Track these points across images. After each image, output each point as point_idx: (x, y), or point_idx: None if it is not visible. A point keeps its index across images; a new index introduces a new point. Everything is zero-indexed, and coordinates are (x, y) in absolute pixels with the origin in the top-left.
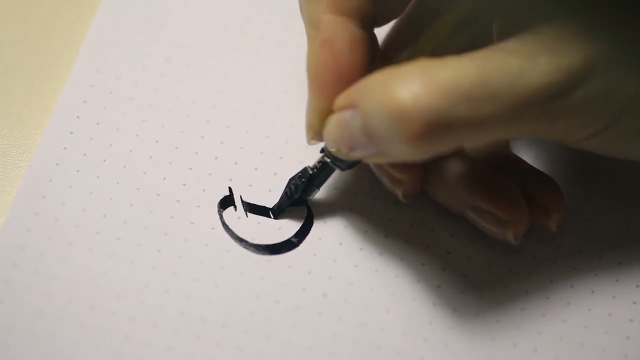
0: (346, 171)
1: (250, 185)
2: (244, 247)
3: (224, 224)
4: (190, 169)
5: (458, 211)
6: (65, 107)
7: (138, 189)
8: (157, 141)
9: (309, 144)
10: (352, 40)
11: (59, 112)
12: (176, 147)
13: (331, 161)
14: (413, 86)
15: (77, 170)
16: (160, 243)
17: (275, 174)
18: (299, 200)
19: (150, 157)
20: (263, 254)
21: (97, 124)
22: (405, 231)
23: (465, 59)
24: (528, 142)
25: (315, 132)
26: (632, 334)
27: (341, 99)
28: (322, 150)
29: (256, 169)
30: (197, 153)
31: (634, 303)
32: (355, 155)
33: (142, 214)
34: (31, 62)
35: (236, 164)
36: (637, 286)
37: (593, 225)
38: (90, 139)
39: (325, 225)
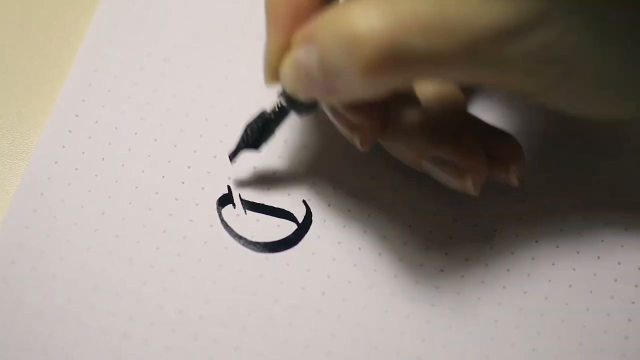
0: (346, 172)
1: (249, 183)
2: (243, 244)
3: (222, 221)
4: (189, 167)
5: (416, 164)
6: (64, 106)
7: (137, 187)
8: (155, 140)
9: (267, 85)
10: None
11: (57, 110)
12: (175, 146)
13: (288, 104)
14: (369, 16)
15: (76, 169)
16: (159, 241)
17: (274, 172)
18: (255, 144)
19: (149, 156)
20: (262, 251)
21: (96, 122)
22: (404, 232)
23: None
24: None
25: (273, 71)
26: (633, 316)
27: (298, 36)
28: (279, 94)
29: (254, 167)
30: (195, 151)
31: (636, 286)
32: (312, 94)
33: (141, 211)
34: (30, 61)
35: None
36: (619, 263)
37: (592, 223)
38: (89, 138)
39: (324, 224)
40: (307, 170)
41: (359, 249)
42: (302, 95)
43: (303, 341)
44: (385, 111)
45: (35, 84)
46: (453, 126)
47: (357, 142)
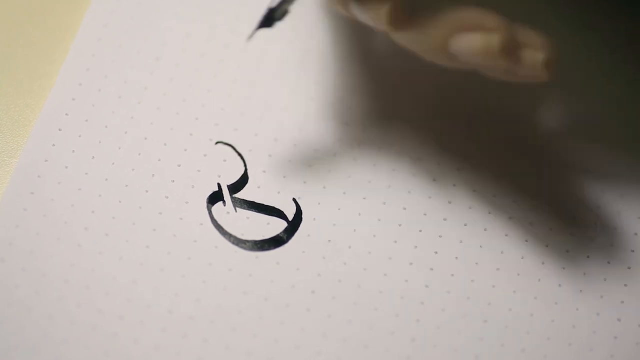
0: (337, 172)
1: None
2: (233, 242)
3: (212, 219)
4: (179, 165)
5: (443, 47)
6: (54, 105)
7: (126, 185)
8: (145, 138)
9: None
10: None
11: (47, 109)
12: (165, 144)
13: None
14: None
15: (66, 167)
16: (149, 239)
17: (264, 171)
18: (268, 21)
19: (139, 154)
20: (251, 250)
21: (86, 121)
22: (394, 230)
23: None
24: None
25: None
26: (622, 316)
27: None
28: None
29: (245, 166)
30: (185, 150)
31: (625, 285)
32: None
33: (131, 210)
34: (20, 59)
35: (225, 160)
36: (629, 268)
37: (585, 209)
38: (79, 136)
39: (314, 223)
40: (297, 168)
41: (349, 247)
42: None
43: (293, 340)
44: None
45: (25, 82)
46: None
47: (384, 16)
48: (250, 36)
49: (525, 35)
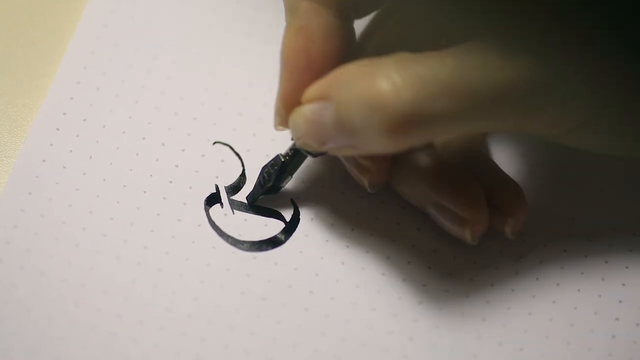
0: (334, 170)
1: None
2: (231, 243)
3: (210, 220)
4: (177, 166)
5: (420, 206)
6: (52, 104)
7: (124, 185)
8: (143, 138)
9: (276, 129)
10: (327, 29)
11: (46, 108)
12: (163, 144)
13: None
14: (393, 77)
15: (64, 167)
16: (147, 240)
17: None
18: (273, 189)
19: (137, 154)
20: (249, 250)
21: (84, 120)
22: (392, 230)
23: (443, 52)
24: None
25: (282, 117)
26: (620, 315)
27: (311, 91)
28: (292, 137)
29: (243, 166)
30: (183, 150)
31: (623, 285)
32: (325, 147)
33: (129, 210)
34: (18, 59)
35: (223, 161)
36: (627, 267)
37: (585, 209)
38: (77, 136)
39: (312, 223)
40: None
41: (347, 247)
42: (314, 148)
43: (291, 339)
44: (394, 155)
45: (23, 82)
46: (461, 170)
47: (365, 184)
48: (253, 202)
49: (499, 195)
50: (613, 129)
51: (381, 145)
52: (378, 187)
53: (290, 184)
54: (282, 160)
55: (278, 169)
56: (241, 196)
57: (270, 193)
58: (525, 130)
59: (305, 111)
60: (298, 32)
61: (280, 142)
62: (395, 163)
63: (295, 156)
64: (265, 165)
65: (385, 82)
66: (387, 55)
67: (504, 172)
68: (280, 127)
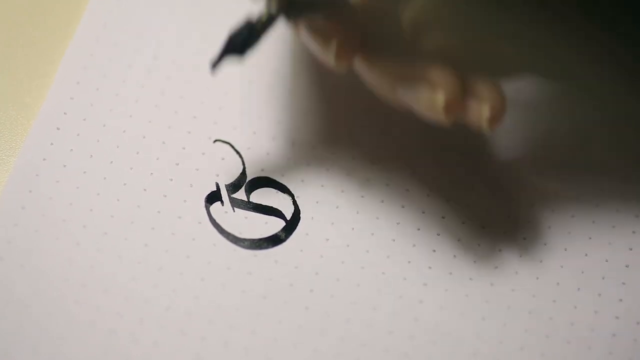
0: (335, 171)
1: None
2: (231, 241)
3: (210, 218)
4: (177, 164)
5: (391, 91)
6: (52, 103)
7: (125, 184)
8: (144, 137)
9: None
10: None
11: (46, 107)
12: (163, 143)
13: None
14: None
15: (64, 165)
16: (147, 237)
17: (262, 169)
18: (240, 48)
19: (137, 153)
20: (250, 248)
21: (84, 120)
22: (392, 229)
23: None
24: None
25: None
26: (621, 314)
27: None
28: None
29: (243, 164)
30: (184, 148)
31: (623, 283)
32: None
33: (129, 208)
34: (19, 59)
35: (223, 159)
36: (627, 266)
37: (584, 207)
38: (77, 135)
39: (313, 222)
40: (295, 167)
41: (347, 246)
42: None
43: (291, 338)
44: (364, 33)
45: (24, 82)
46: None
47: (331, 57)
48: (215, 65)
49: (475, 85)
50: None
51: None
52: (345, 61)
53: (290, 183)
54: (253, 22)
55: (247, 32)
56: (242, 194)
57: (236, 54)
58: None
59: None
60: None
61: (281, 141)
62: (364, 41)
63: (268, 19)
64: (232, 29)
65: None
66: None
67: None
68: None
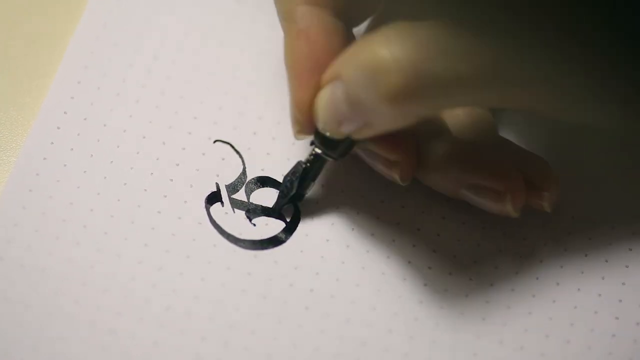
0: (334, 169)
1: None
2: (231, 242)
3: (211, 219)
4: (178, 164)
5: (453, 193)
6: (52, 103)
7: (125, 183)
8: (144, 137)
9: (296, 138)
10: (328, 28)
11: (46, 107)
12: (163, 143)
13: (322, 152)
14: (391, 44)
15: (65, 165)
16: (147, 237)
17: (262, 169)
18: (297, 196)
19: (138, 153)
20: (250, 249)
21: (85, 119)
22: (392, 230)
23: (440, 20)
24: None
25: (300, 124)
26: (620, 314)
27: (326, 75)
28: (311, 143)
29: (243, 164)
30: (184, 149)
31: (623, 284)
32: (343, 129)
33: (129, 208)
34: (19, 58)
35: (223, 159)
36: (627, 267)
37: (584, 208)
38: (78, 134)
39: (313, 222)
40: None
41: (347, 246)
42: (334, 134)
43: (291, 338)
44: (419, 144)
45: (24, 81)
46: (487, 151)
47: (397, 178)
48: (277, 211)
49: (531, 173)
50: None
51: (389, 116)
52: (409, 179)
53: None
54: (303, 166)
55: (300, 176)
56: (241, 195)
57: (294, 201)
58: (520, 105)
59: (321, 95)
60: (298, 36)
61: (281, 141)
62: (421, 155)
63: (316, 161)
64: (286, 174)
65: (384, 48)
66: (386, 25)
67: (525, 149)
68: (300, 136)
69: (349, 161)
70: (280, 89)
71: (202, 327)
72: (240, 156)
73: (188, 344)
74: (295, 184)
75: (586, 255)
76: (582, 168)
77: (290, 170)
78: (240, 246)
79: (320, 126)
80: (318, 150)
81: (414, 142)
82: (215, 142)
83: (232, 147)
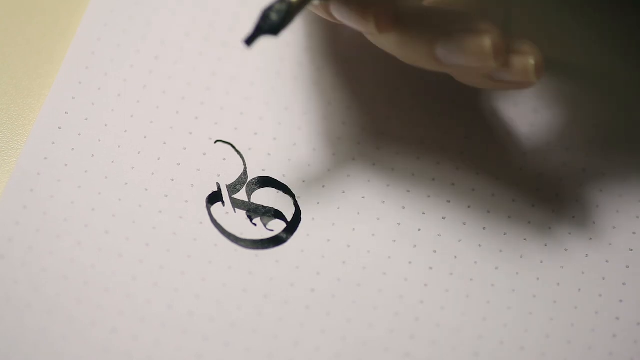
0: (336, 172)
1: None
2: (232, 241)
3: (212, 219)
4: (179, 164)
5: (430, 54)
6: (54, 103)
7: (126, 183)
8: (145, 137)
9: None
10: None
11: (47, 107)
12: (164, 143)
13: None
14: None
15: (66, 165)
16: (149, 237)
17: (263, 170)
18: (274, 28)
19: (139, 153)
20: (251, 248)
21: (86, 119)
22: (393, 229)
23: None
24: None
25: None
26: (621, 314)
27: None
28: None
29: (244, 165)
30: (185, 149)
31: (624, 284)
32: None
33: (131, 208)
34: (20, 58)
35: (224, 159)
36: (627, 267)
37: (585, 208)
38: (79, 134)
39: (314, 222)
40: (296, 167)
41: (348, 246)
42: None
43: (292, 337)
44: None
45: (25, 81)
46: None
47: (372, 25)
48: (249, 42)
49: (514, 41)
50: None
51: None
52: (385, 28)
53: (292, 184)
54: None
55: (284, 9)
56: (242, 195)
57: (269, 34)
58: None
59: None
60: None
61: (282, 141)
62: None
63: None
64: (267, 5)
65: None
66: None
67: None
68: None
69: (349, 161)
70: (281, 90)
71: (203, 326)
72: (241, 156)
73: (189, 344)
74: (277, 17)
75: (587, 256)
76: (582, 168)
77: (273, 2)
78: (241, 246)
79: None
80: None
81: None
82: (216, 142)
83: (233, 147)
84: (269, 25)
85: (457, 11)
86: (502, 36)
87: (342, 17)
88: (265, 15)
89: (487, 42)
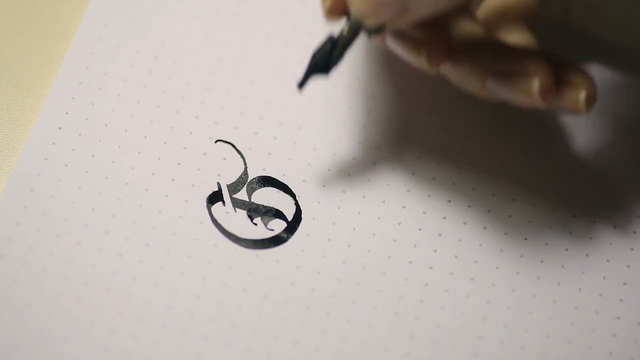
0: (336, 171)
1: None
2: (233, 241)
3: (212, 218)
4: (179, 164)
5: (481, 85)
6: (54, 103)
7: (126, 183)
8: (145, 137)
9: (326, 17)
10: None
11: (48, 107)
12: (165, 143)
13: (355, 28)
14: None
15: (66, 165)
16: (149, 237)
17: (264, 169)
18: (325, 68)
19: (139, 153)
20: (252, 248)
21: (86, 119)
22: (393, 229)
23: None
24: None
25: (332, 4)
26: (621, 314)
27: None
28: (346, 13)
29: (245, 164)
30: (185, 149)
31: (625, 284)
32: (382, 17)
33: (131, 208)
34: (20, 58)
35: (225, 159)
36: (628, 266)
37: (585, 208)
38: (79, 135)
39: (314, 222)
40: (297, 167)
41: (349, 245)
42: (371, 21)
43: (292, 337)
44: (449, 29)
45: (25, 81)
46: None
47: (424, 60)
48: (302, 85)
49: (566, 73)
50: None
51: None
52: (437, 64)
53: (292, 183)
54: (335, 39)
55: (330, 48)
56: (243, 194)
57: (321, 73)
58: None
59: None
60: None
61: (282, 141)
62: (451, 39)
63: (349, 35)
64: (316, 49)
65: None
66: None
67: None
68: (330, 16)
69: (350, 161)
70: (281, 89)
71: (203, 326)
72: (242, 156)
73: (189, 344)
74: (326, 56)
75: (587, 255)
76: (582, 168)
77: (321, 44)
78: (242, 245)
79: (356, 15)
80: (351, 26)
81: (445, 28)
82: (216, 141)
83: (234, 146)
84: (319, 66)
85: (509, 45)
86: (551, 76)
87: (396, 49)
88: (314, 58)
89: (535, 85)
